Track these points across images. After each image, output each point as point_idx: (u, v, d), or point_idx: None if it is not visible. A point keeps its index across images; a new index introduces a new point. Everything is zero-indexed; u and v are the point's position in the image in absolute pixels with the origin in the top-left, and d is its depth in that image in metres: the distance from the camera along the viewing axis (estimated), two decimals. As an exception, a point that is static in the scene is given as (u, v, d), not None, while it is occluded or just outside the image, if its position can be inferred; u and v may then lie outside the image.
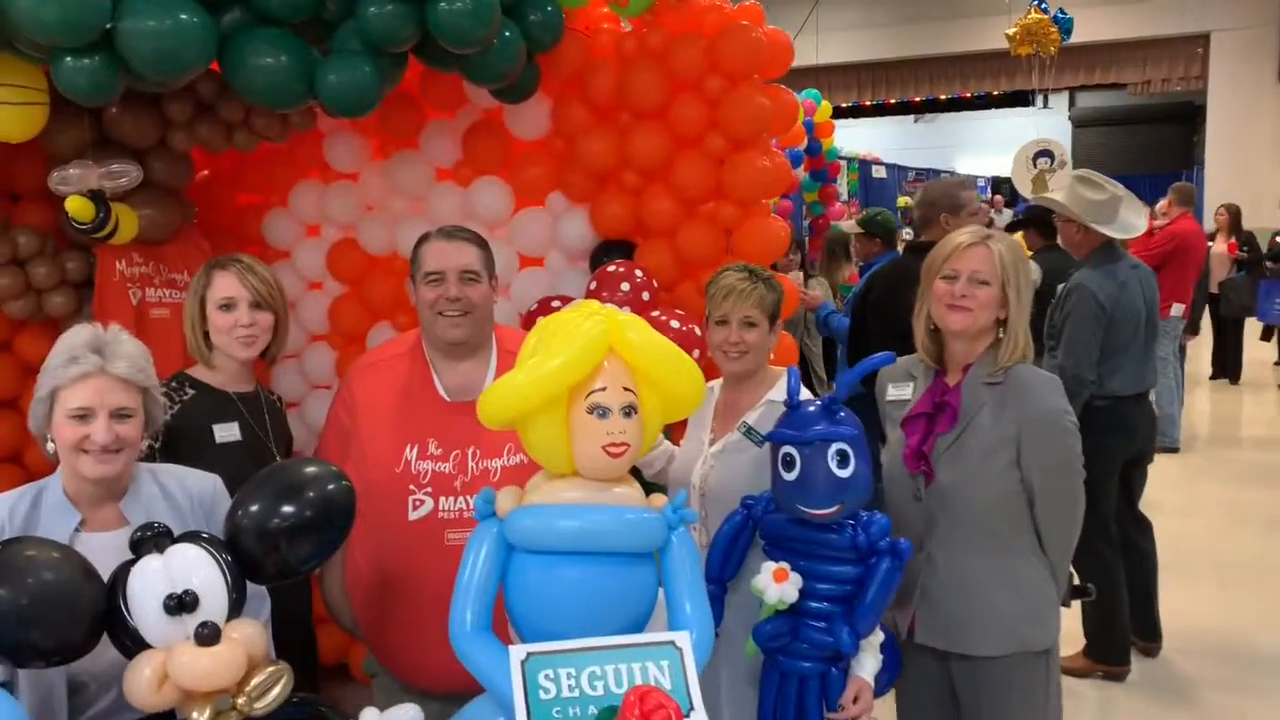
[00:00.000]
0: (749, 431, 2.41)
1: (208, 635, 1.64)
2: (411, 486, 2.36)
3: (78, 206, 2.91)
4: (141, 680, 1.63)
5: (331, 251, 3.81)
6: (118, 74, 2.74)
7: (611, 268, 3.20)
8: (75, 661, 1.72)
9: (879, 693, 2.29)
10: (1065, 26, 10.50)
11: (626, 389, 1.78)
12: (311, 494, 1.83)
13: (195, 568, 1.69)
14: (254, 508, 1.80)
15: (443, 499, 2.36)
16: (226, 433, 2.52)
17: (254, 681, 1.69)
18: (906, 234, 8.64)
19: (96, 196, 2.97)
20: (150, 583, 1.66)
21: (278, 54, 2.85)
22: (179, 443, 2.42)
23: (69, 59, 2.68)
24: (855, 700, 2.17)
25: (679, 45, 3.25)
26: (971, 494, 2.31)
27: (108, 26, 2.61)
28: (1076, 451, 2.36)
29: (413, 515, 2.35)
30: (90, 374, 1.89)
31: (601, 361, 1.77)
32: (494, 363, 2.50)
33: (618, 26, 3.46)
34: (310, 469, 1.88)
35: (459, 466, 2.38)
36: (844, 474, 2.07)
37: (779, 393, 2.40)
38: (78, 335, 1.94)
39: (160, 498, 2.02)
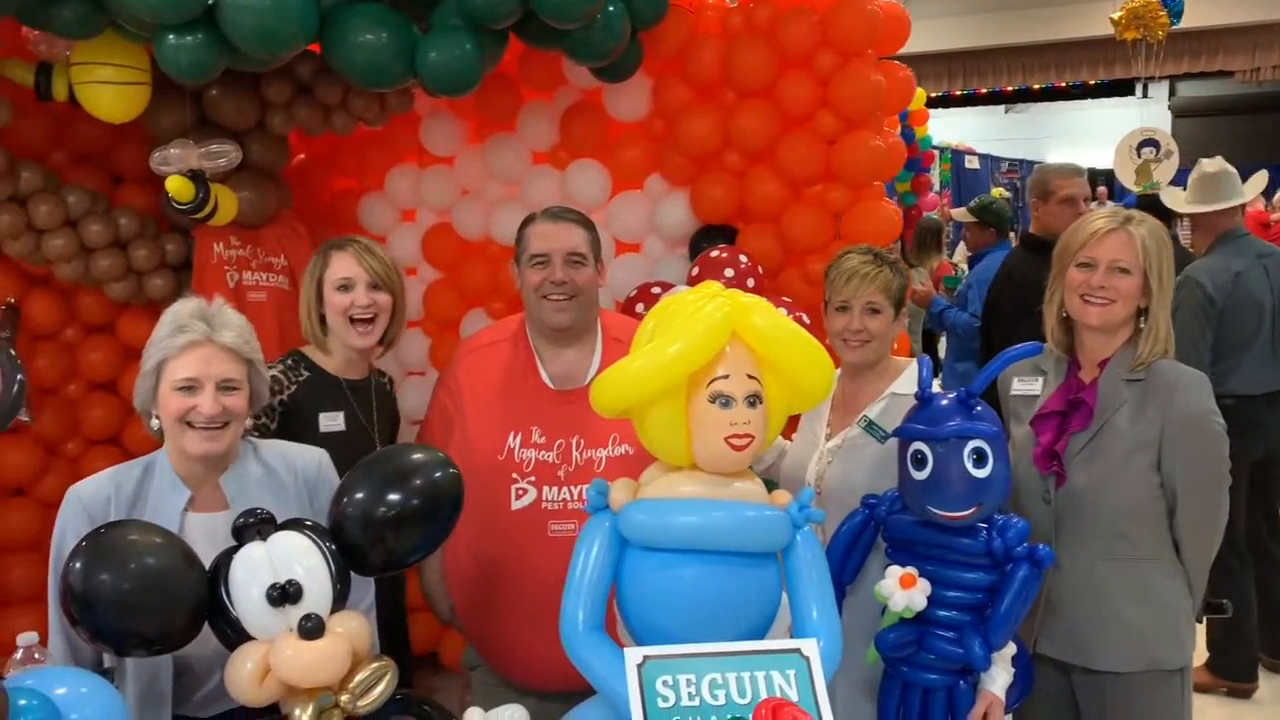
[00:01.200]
0: (870, 426, 2.26)
1: (311, 628, 1.56)
2: (514, 475, 2.27)
3: (178, 186, 2.88)
4: (243, 673, 1.56)
5: (426, 237, 3.75)
6: (219, 52, 2.70)
7: (714, 253, 3.07)
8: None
9: (1008, 708, 2.13)
10: (1175, 9, 10.02)
11: (751, 376, 1.66)
12: (419, 482, 1.73)
13: (299, 557, 1.62)
14: (359, 495, 1.72)
15: (546, 489, 2.27)
16: (332, 422, 2.45)
17: (358, 678, 1.61)
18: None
19: (196, 177, 2.94)
20: (253, 572, 1.59)
21: (378, 31, 2.78)
22: (286, 425, 2.38)
23: (171, 36, 2.65)
24: (985, 717, 2.02)
25: (789, 19, 3.10)
26: (1106, 498, 2.13)
27: (210, 3, 2.58)
28: (1224, 456, 2.17)
29: (515, 504, 2.26)
30: (197, 343, 1.83)
31: (724, 347, 1.65)
32: (599, 349, 2.40)
33: (723, 2, 3.32)
34: (418, 456, 1.79)
35: (563, 456, 2.28)
36: (981, 474, 1.91)
37: (904, 385, 2.25)
38: (184, 306, 1.89)
39: (263, 475, 1.95)
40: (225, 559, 1.63)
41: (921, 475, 1.94)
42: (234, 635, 1.60)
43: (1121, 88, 18.64)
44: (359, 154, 3.84)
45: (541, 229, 2.36)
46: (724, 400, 1.63)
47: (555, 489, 2.26)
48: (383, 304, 2.45)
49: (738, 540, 1.66)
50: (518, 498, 2.27)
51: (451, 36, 2.78)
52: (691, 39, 3.28)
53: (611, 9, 2.89)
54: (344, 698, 1.59)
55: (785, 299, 3.09)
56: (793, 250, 3.28)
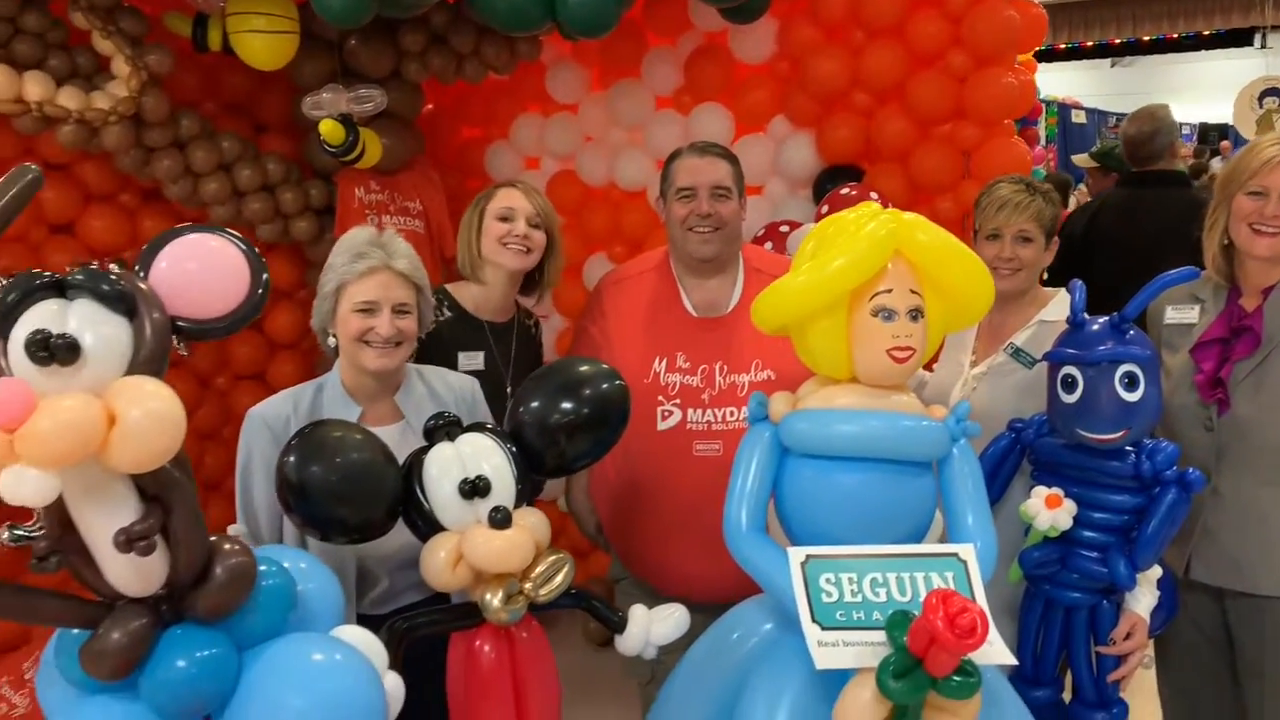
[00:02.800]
0: (1017, 353, 2.29)
1: (501, 519, 1.67)
2: (660, 398, 2.36)
3: (330, 129, 3.02)
4: (438, 560, 1.68)
5: (550, 183, 3.85)
6: (370, -2, 2.82)
7: (845, 190, 3.10)
8: (366, 544, 1.80)
9: (1152, 632, 2.16)
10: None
11: (913, 291, 1.71)
12: (589, 392, 1.84)
13: (486, 455, 1.73)
14: (535, 404, 1.83)
15: (691, 411, 2.35)
16: (471, 361, 2.53)
17: (539, 568, 1.73)
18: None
19: (346, 121, 3.08)
20: (445, 468, 1.71)
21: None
22: (426, 359, 2.48)
23: (327, -18, 2.78)
24: (1128, 636, 2.05)
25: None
26: (1273, 425, 2.12)
27: (363, -51, 2.69)
28: None
29: (661, 425, 2.36)
30: (376, 269, 1.95)
31: (886, 263, 1.71)
32: (741, 280, 2.47)
33: (852, -59, 3.33)
34: (586, 368, 1.89)
35: (706, 380, 2.36)
36: (1132, 398, 1.93)
37: (1052, 312, 2.27)
38: (359, 234, 2.01)
39: (428, 396, 2.08)
40: (417, 458, 1.75)
41: (1071, 399, 1.97)
42: (426, 528, 1.73)
43: (1238, 38, 17.87)
44: (485, 103, 3.95)
45: (688, 163, 2.43)
46: (887, 314, 1.69)
47: (699, 411, 2.35)
48: (537, 241, 2.54)
49: (896, 448, 1.72)
50: (663, 419, 2.36)
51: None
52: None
53: (746, -51, 2.93)
54: (527, 585, 1.71)
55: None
56: (920, 189, 3.29)
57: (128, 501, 1.23)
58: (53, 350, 1.14)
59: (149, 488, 1.24)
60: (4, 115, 2.90)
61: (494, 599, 1.67)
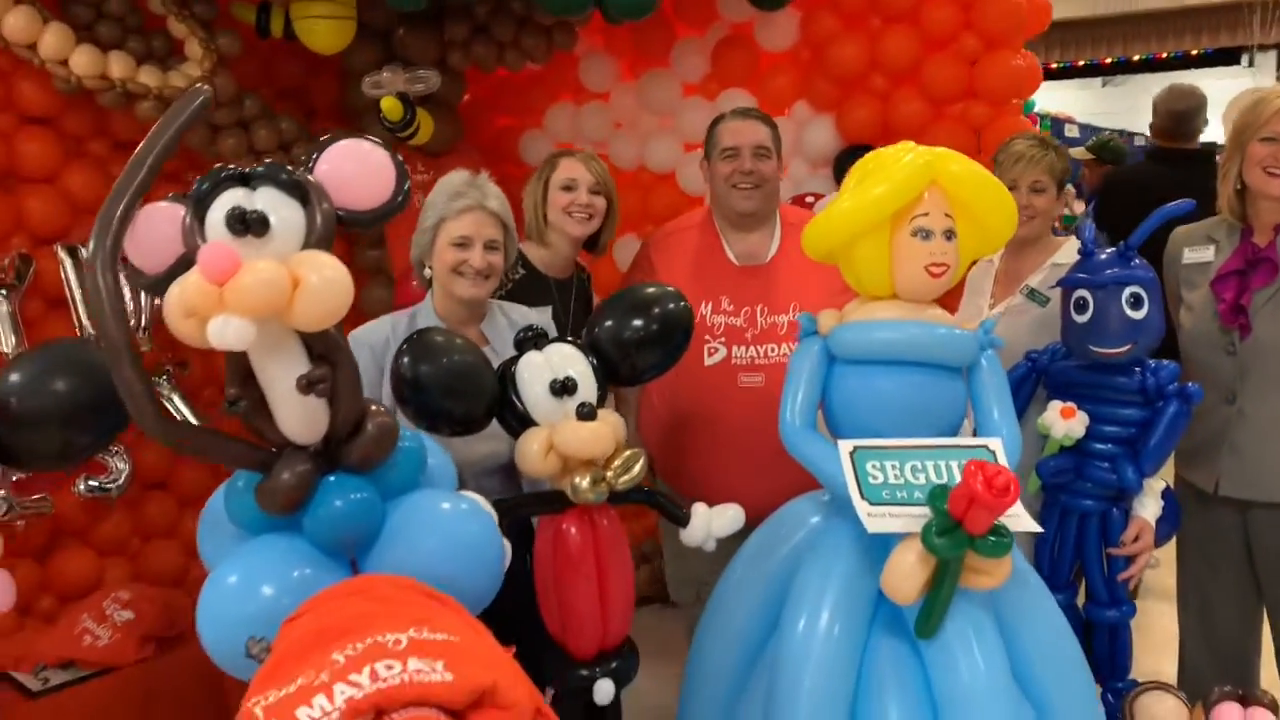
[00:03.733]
0: (1032, 294, 2.53)
1: (587, 412, 1.90)
2: (706, 336, 2.60)
3: (391, 105, 3.26)
4: (532, 450, 1.91)
5: (583, 167, 4.08)
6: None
7: (866, 162, 3.35)
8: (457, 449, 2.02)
9: (1159, 542, 2.38)
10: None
11: (947, 215, 1.95)
12: (657, 310, 2.07)
13: (571, 361, 1.96)
14: (609, 322, 2.06)
15: (735, 348, 2.59)
16: (541, 316, 2.75)
17: (619, 459, 1.95)
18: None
19: (404, 99, 3.32)
20: (537, 372, 1.94)
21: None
22: None
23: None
24: (1136, 539, 2.28)
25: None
26: None
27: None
28: None
29: (708, 361, 2.60)
30: (471, 208, 2.19)
31: (924, 190, 1.94)
32: (778, 234, 2.71)
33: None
34: (653, 290, 2.13)
35: (749, 320, 2.60)
36: (1137, 315, 2.17)
37: (1064, 256, 2.51)
38: (456, 176, 2.26)
39: (508, 327, 2.31)
40: (509, 365, 1.98)
41: (1083, 318, 2.21)
42: (518, 424, 1.95)
43: (1225, 57, 18.26)
44: (520, 93, 4.20)
45: (731, 125, 2.68)
46: (924, 233, 1.92)
47: (743, 348, 2.59)
48: (599, 207, 2.77)
49: (931, 352, 1.95)
50: (710, 355, 2.60)
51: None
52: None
53: (777, -68, 3.18)
54: (609, 473, 1.94)
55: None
56: (934, 165, 3.53)
57: (301, 357, 1.46)
58: (248, 223, 1.37)
59: (317, 347, 1.47)
60: (89, 91, 3.14)
61: (582, 481, 1.90)
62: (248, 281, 1.32)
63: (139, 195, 1.44)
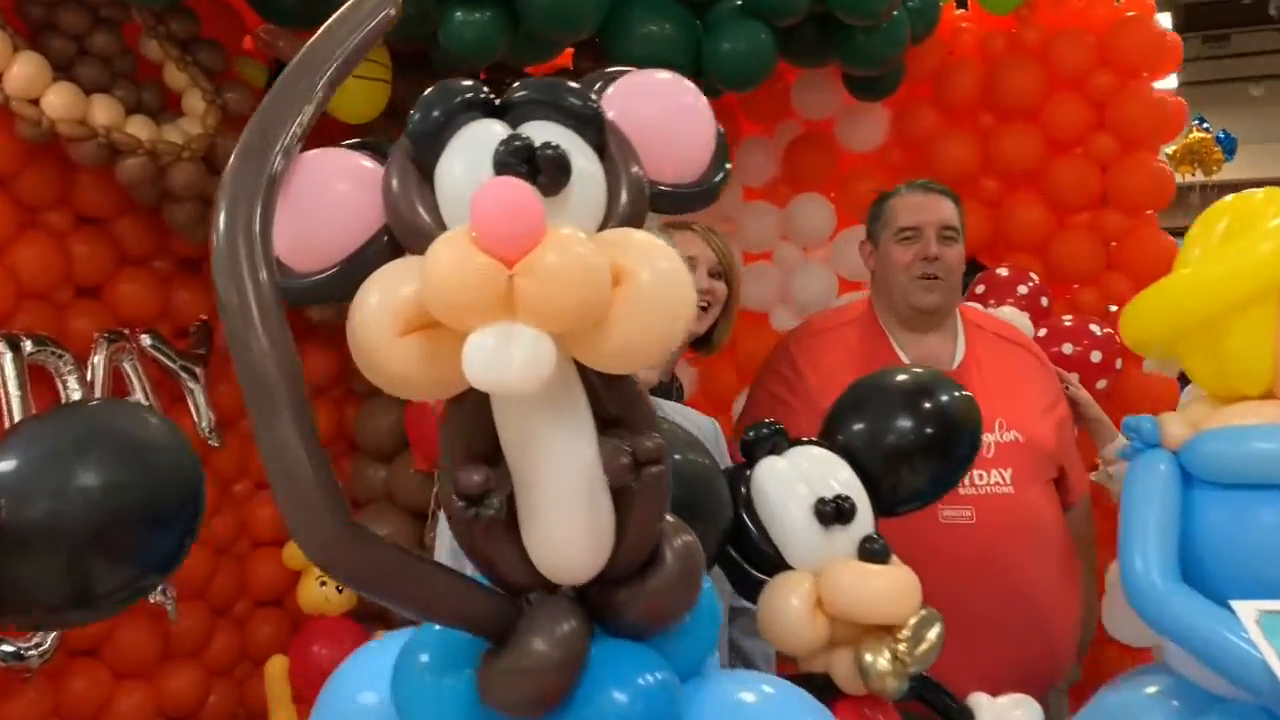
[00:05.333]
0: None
1: (879, 550, 1.26)
2: (892, 463, 1.99)
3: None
4: (791, 610, 1.25)
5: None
6: (505, 31, 2.54)
7: (1002, 271, 2.88)
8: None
9: None
10: (1229, 147, 10.23)
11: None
12: (929, 405, 1.46)
13: (831, 469, 1.34)
14: (859, 423, 1.44)
15: (933, 476, 1.98)
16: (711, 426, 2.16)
17: (913, 619, 1.30)
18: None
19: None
20: (788, 486, 1.30)
21: (662, 22, 2.65)
22: None
23: (459, 13, 2.50)
24: None
25: (1060, 41, 3.00)
26: None
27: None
28: None
29: (900, 494, 1.97)
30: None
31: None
32: (962, 335, 2.18)
33: (976, 26, 3.23)
34: (921, 376, 1.53)
35: (945, 442, 2.01)
36: None
37: None
38: None
39: (673, 426, 1.67)
40: (739, 477, 1.34)
41: None
42: (760, 566, 1.30)
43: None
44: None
45: (911, 200, 2.18)
46: (1327, 307, 1.39)
47: (944, 476, 1.98)
48: (719, 294, 2.14)
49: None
50: (900, 486, 1.98)
51: (744, 26, 2.64)
52: (944, 63, 3.17)
53: (896, 13, 2.77)
54: (901, 646, 1.28)
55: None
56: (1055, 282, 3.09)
57: (586, 423, 0.81)
58: (539, 163, 0.75)
59: (610, 404, 0.82)
60: (60, 140, 2.47)
61: (878, 659, 1.24)
62: (553, 262, 0.69)
63: (299, 138, 0.82)
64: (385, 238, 0.80)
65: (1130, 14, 3.00)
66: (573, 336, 0.74)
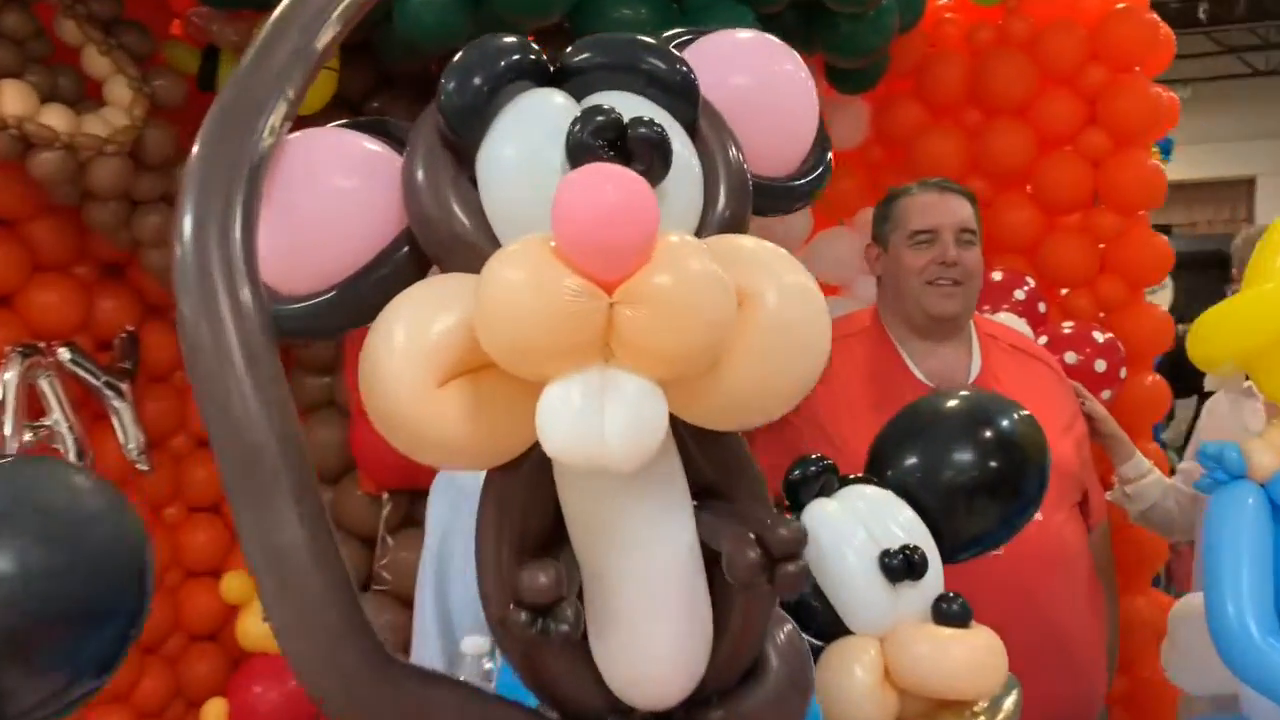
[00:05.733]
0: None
1: (960, 611, 1.07)
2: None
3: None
4: (854, 680, 1.05)
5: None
6: (468, 14, 2.32)
7: (996, 275, 2.73)
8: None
9: None
10: (1166, 148, 10.31)
11: None
12: (992, 434, 1.27)
13: (892, 512, 1.15)
14: (912, 457, 1.25)
15: (953, 503, 1.81)
16: None
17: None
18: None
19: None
20: (845, 535, 1.10)
21: (638, 6, 2.45)
22: None
23: (417, -7, 2.27)
24: None
25: (1050, 33, 2.87)
26: None
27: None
28: None
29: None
30: None
31: None
32: (977, 347, 2.01)
33: (961, 18, 3.08)
34: (982, 401, 1.34)
35: (966, 464, 1.84)
36: None
37: None
38: None
39: None
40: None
41: None
42: (819, 626, 1.10)
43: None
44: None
45: (924, 200, 2.01)
46: None
47: (965, 503, 1.81)
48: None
49: None
50: (922, 514, 1.81)
51: (725, 11, 2.45)
52: (926, 56, 3.02)
53: (884, 2, 2.61)
54: (981, 717, 1.09)
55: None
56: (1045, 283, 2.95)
57: (682, 498, 0.60)
58: (631, 147, 0.54)
59: (705, 469, 0.62)
60: (-36, 132, 2.19)
61: (960, 739, 1.05)
62: (671, 284, 0.49)
63: (290, 113, 0.61)
64: (405, 248, 0.59)
65: (1122, 5, 2.88)
66: (676, 384, 0.53)
